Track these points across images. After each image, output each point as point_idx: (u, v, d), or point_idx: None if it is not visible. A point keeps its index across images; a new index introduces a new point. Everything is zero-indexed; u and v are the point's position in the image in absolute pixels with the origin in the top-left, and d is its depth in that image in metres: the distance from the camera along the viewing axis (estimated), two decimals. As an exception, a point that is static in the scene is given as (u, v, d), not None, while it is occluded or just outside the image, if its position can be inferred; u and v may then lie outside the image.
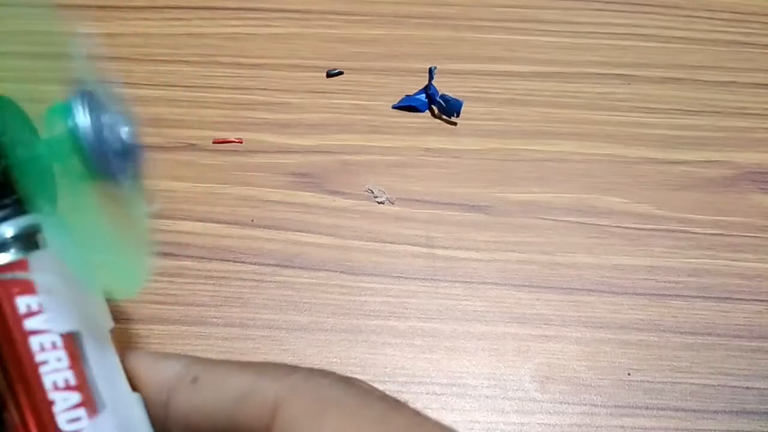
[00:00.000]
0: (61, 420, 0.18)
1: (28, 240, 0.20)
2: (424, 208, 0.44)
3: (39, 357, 0.19)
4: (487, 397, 0.38)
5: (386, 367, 0.38)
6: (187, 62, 0.49)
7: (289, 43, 0.50)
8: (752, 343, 0.39)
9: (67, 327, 0.19)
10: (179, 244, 0.41)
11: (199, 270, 0.41)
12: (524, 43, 0.51)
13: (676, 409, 0.38)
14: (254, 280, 0.40)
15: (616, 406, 0.38)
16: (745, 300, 0.41)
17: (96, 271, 0.20)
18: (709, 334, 0.40)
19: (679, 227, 0.43)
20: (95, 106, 0.21)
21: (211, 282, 0.40)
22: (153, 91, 0.48)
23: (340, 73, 0.45)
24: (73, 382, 0.19)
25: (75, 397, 0.18)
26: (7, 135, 0.20)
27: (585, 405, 0.38)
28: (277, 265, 0.41)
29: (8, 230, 0.20)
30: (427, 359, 0.39)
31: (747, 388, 0.38)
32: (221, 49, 0.50)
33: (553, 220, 0.43)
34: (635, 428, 0.37)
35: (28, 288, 0.19)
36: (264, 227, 0.42)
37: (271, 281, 0.40)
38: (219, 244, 0.42)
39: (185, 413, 0.20)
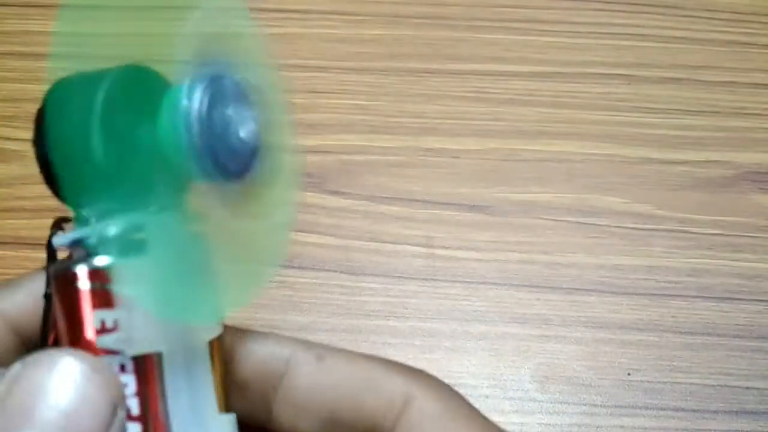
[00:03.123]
0: None
1: (125, 242, 0.18)
2: (424, 208, 0.44)
3: None
4: (487, 397, 0.38)
5: (386, 367, 0.38)
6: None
7: (289, 43, 0.50)
8: (752, 343, 0.39)
9: (141, 348, 0.18)
10: (179, 244, 0.41)
11: (199, 270, 0.41)
12: (524, 43, 0.51)
13: (676, 409, 0.38)
14: (254, 280, 0.40)
15: (616, 406, 0.38)
16: (745, 300, 0.41)
17: (199, 279, 0.19)
18: (709, 334, 0.40)
19: (679, 227, 0.43)
20: (218, 93, 0.18)
21: (211, 282, 0.40)
22: (153, 91, 0.48)
23: None
24: (135, 411, 0.17)
25: (135, 428, 0.17)
26: (127, 115, 0.18)
27: (585, 405, 0.38)
28: (277, 265, 0.41)
29: (110, 228, 0.18)
30: (427, 359, 0.39)
31: (747, 388, 0.38)
32: (221, 49, 0.50)
33: (553, 220, 0.43)
34: (635, 428, 0.37)
35: (107, 301, 0.18)
36: (264, 227, 0.42)
37: (271, 281, 0.40)
38: (219, 244, 0.42)
39: (305, 392, 0.19)
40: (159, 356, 0.18)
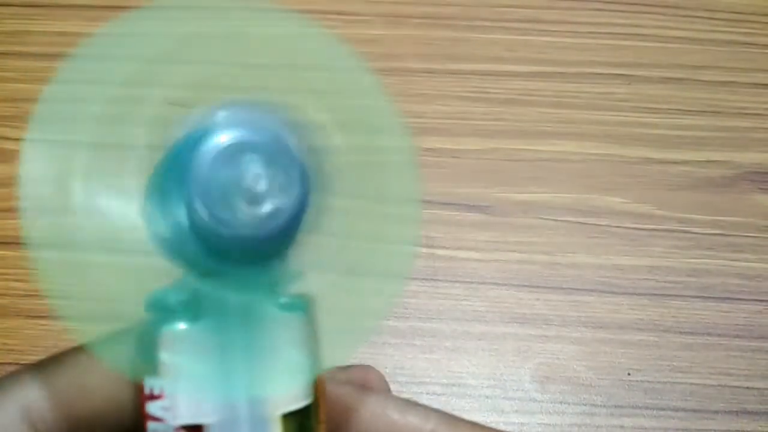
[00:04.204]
0: None
1: (180, 309, 0.17)
2: (424, 208, 0.44)
3: None
4: (487, 397, 0.38)
5: (386, 367, 0.38)
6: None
7: (289, 43, 0.50)
8: (752, 343, 0.39)
9: (185, 419, 0.17)
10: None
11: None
12: (524, 43, 0.51)
13: (676, 409, 0.38)
14: (254, 280, 0.40)
15: (616, 406, 0.38)
16: (745, 300, 0.41)
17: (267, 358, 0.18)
18: (709, 334, 0.40)
19: (679, 227, 0.43)
20: (239, 149, 0.16)
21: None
22: (153, 91, 0.48)
23: None
24: None
25: None
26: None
27: (585, 405, 0.38)
28: (277, 265, 0.41)
29: (167, 295, 0.17)
30: (427, 359, 0.39)
31: (747, 388, 0.38)
32: (221, 49, 0.50)
33: (553, 220, 0.43)
34: (635, 428, 0.37)
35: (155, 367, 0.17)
36: (264, 227, 0.42)
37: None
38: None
39: None
40: (206, 428, 0.17)
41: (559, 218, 0.43)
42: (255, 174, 0.16)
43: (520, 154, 0.46)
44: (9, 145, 0.45)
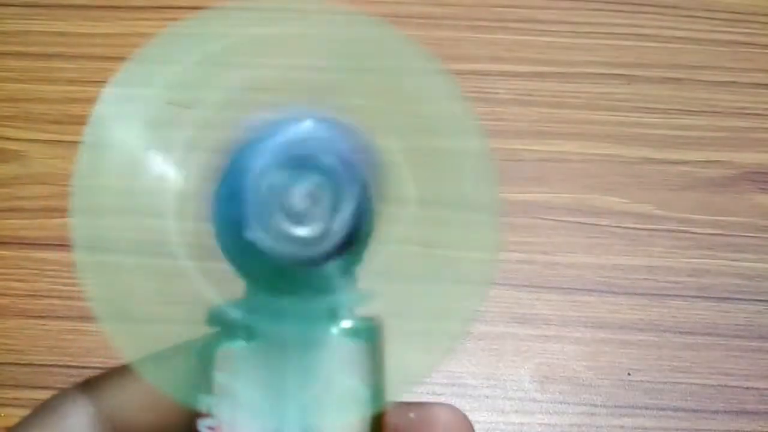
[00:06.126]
0: None
1: (238, 328, 0.17)
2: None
3: None
4: (487, 397, 0.38)
5: (386, 367, 0.38)
6: (187, 62, 0.49)
7: (289, 43, 0.50)
8: (752, 343, 0.39)
9: None
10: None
11: (199, 270, 0.40)
12: (524, 43, 0.51)
13: (676, 409, 0.38)
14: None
15: (616, 406, 0.38)
16: (745, 300, 0.41)
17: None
18: (709, 334, 0.40)
19: (679, 227, 0.43)
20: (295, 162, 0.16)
21: (211, 282, 0.40)
22: (153, 91, 0.48)
23: None
24: None
25: None
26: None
27: (585, 405, 0.38)
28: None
29: (227, 311, 0.17)
30: (427, 359, 0.39)
31: (747, 388, 0.38)
32: (221, 49, 0.50)
33: (553, 220, 0.43)
34: (635, 428, 0.37)
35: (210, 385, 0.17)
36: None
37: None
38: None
39: None
40: None
41: (559, 218, 0.43)
42: (310, 191, 0.16)
43: (520, 154, 0.46)
44: (9, 145, 0.45)
